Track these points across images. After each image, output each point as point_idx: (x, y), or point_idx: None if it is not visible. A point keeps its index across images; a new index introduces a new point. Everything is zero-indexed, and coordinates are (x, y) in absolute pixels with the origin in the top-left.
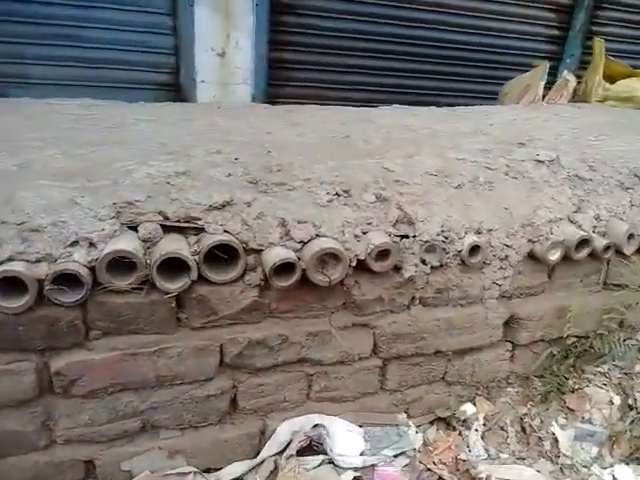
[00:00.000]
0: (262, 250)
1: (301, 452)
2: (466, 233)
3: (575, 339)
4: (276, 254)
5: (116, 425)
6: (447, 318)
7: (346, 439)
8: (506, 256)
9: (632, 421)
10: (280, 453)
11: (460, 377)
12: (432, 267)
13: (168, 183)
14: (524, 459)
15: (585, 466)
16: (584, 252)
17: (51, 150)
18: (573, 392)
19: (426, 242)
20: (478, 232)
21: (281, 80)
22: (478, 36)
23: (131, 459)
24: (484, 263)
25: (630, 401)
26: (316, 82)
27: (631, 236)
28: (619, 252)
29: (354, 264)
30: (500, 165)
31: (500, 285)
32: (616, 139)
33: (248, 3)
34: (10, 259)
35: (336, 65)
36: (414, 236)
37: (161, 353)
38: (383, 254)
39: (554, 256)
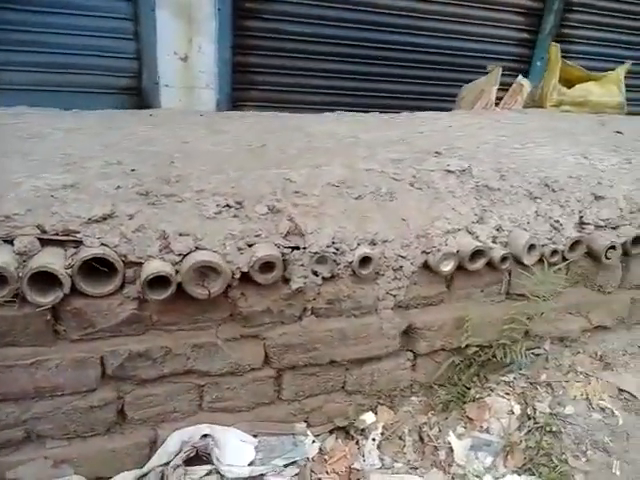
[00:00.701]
0: (142, 263)
1: (190, 462)
2: (359, 244)
3: (476, 349)
4: (152, 267)
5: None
6: (340, 328)
7: (237, 449)
8: (400, 267)
9: (528, 431)
10: (169, 463)
11: (360, 386)
12: (324, 278)
13: (52, 196)
14: (417, 468)
15: (477, 476)
16: (479, 263)
17: None
18: (474, 401)
19: (316, 254)
20: (372, 243)
21: (246, 84)
22: (446, 39)
23: (16, 468)
24: (377, 274)
25: (529, 411)
26: (281, 86)
27: (532, 247)
28: (521, 263)
29: (237, 276)
30: (407, 175)
31: (395, 295)
32: (543, 147)
33: (210, 8)
34: None
35: (301, 69)
36: (304, 248)
37: (39, 365)
38: (268, 266)
39: (447, 267)
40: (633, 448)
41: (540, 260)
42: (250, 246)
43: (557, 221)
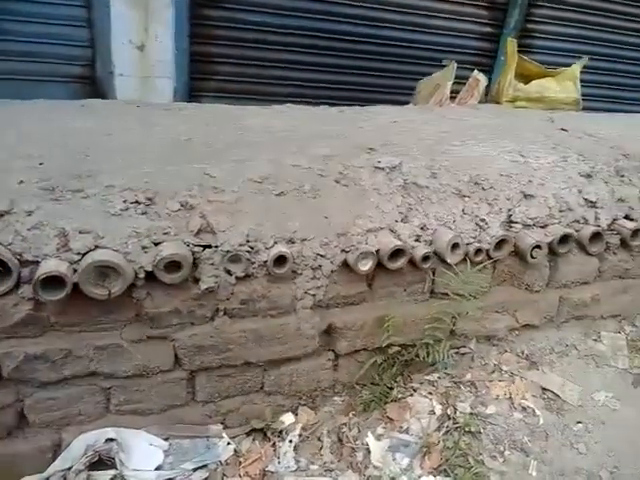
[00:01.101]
0: (38, 262)
1: (96, 466)
2: (276, 243)
3: (399, 348)
4: (47, 267)
5: None
6: (255, 329)
7: (145, 453)
8: (319, 266)
9: (447, 431)
10: (70, 468)
11: (279, 387)
12: (237, 277)
13: None
14: (332, 470)
15: (393, 478)
16: (400, 262)
17: None
18: (396, 401)
19: (228, 252)
20: (291, 241)
21: (205, 74)
22: (409, 32)
23: None
24: (295, 273)
25: (450, 411)
26: (241, 76)
27: (455, 245)
28: (445, 261)
29: (141, 276)
30: (333, 172)
31: (314, 295)
32: (482, 144)
33: None
34: None
35: (262, 59)
36: (216, 246)
37: None
38: (175, 265)
39: (365, 266)
40: (551, 448)
41: (465, 259)
42: (157, 244)
43: (483, 220)
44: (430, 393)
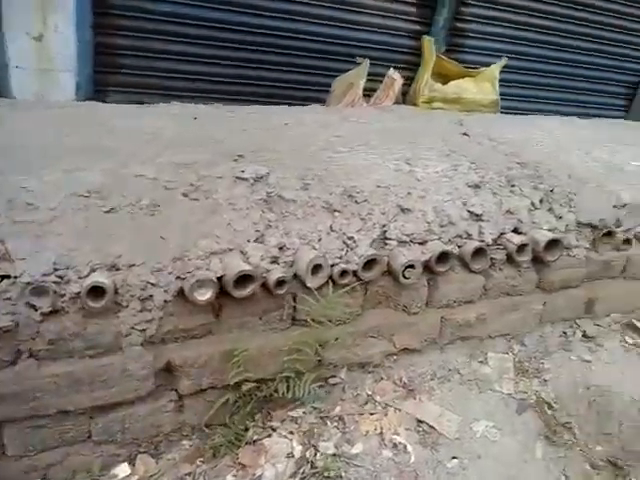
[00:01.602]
0: None
1: None
2: (93, 270)
3: (255, 384)
4: None
5: None
6: (69, 372)
7: None
8: (150, 296)
9: (303, 477)
10: None
11: (109, 435)
12: (43, 313)
13: None
14: None
15: None
16: (249, 289)
17: None
18: (253, 444)
19: (29, 284)
20: (114, 268)
21: (111, 67)
22: (332, 28)
23: None
24: (119, 305)
25: (309, 453)
26: (150, 70)
27: (317, 267)
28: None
29: None
30: (183, 183)
31: (143, 330)
32: (373, 150)
33: None
34: None
35: (171, 53)
36: (15, 277)
37: None
38: None
39: (203, 296)
40: None
41: (331, 281)
42: None
43: (351, 237)
44: (291, 432)
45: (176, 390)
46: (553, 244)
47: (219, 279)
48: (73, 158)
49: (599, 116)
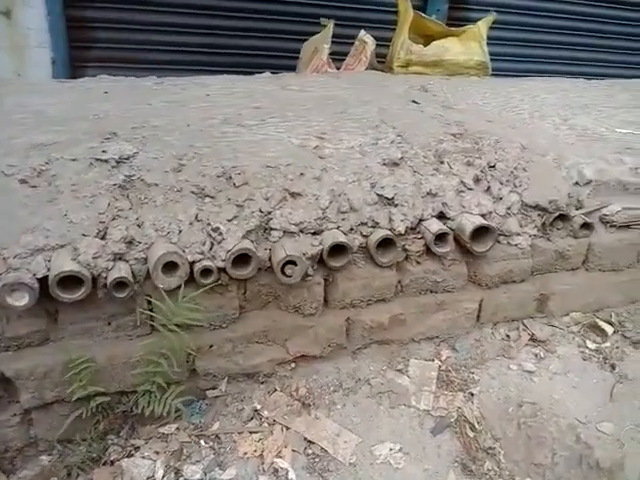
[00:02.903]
0: None
1: None
2: None
3: (107, 398)
4: None
5: None
6: None
7: None
8: None
9: None
10: None
11: None
12: None
13: None
14: None
15: None
16: (79, 293)
17: None
18: (111, 464)
19: None
20: None
21: (86, 42)
22: None
23: None
24: None
25: (173, 476)
26: (126, 43)
27: (171, 265)
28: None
29: None
30: (25, 168)
31: None
32: (285, 123)
33: None
34: None
35: (145, 24)
36: None
37: None
38: None
39: (21, 302)
40: None
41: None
42: None
43: (217, 229)
44: (157, 452)
45: (19, 402)
46: (484, 231)
47: (42, 280)
48: None
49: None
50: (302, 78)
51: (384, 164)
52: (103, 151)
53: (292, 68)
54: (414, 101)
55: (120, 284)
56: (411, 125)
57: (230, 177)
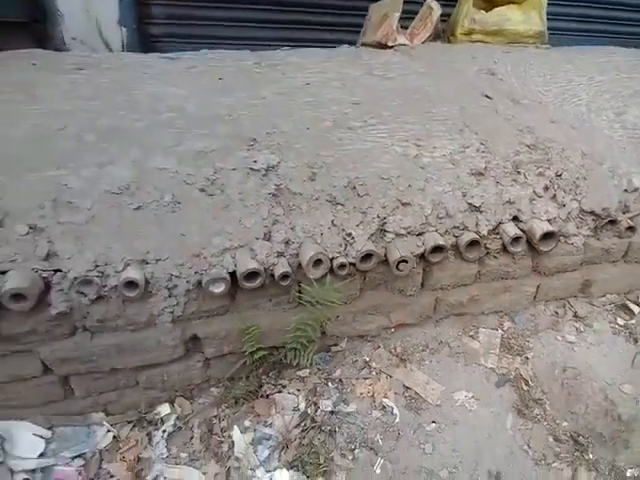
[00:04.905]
0: None
1: None
2: (128, 265)
3: (266, 352)
4: None
5: None
6: (115, 343)
7: (28, 442)
8: (175, 286)
9: (304, 429)
10: None
11: (152, 384)
12: (91, 300)
13: None
14: (198, 460)
15: (251, 469)
16: (256, 282)
17: None
18: (266, 397)
19: (76, 279)
20: (144, 262)
21: (155, 18)
22: None
23: None
24: (150, 292)
25: (311, 409)
26: (196, 20)
27: (318, 261)
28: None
29: None
30: (201, 178)
31: (172, 312)
32: (383, 126)
33: None
34: None
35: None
36: (65, 272)
37: None
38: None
39: (218, 289)
40: (400, 447)
41: (332, 271)
42: (4, 273)
43: (349, 234)
44: (298, 390)
45: (203, 352)
46: (549, 235)
47: (232, 273)
48: (104, 145)
49: None
50: (380, 57)
51: (472, 174)
52: (254, 161)
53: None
54: (487, 96)
55: (284, 276)
56: (490, 132)
57: (354, 187)
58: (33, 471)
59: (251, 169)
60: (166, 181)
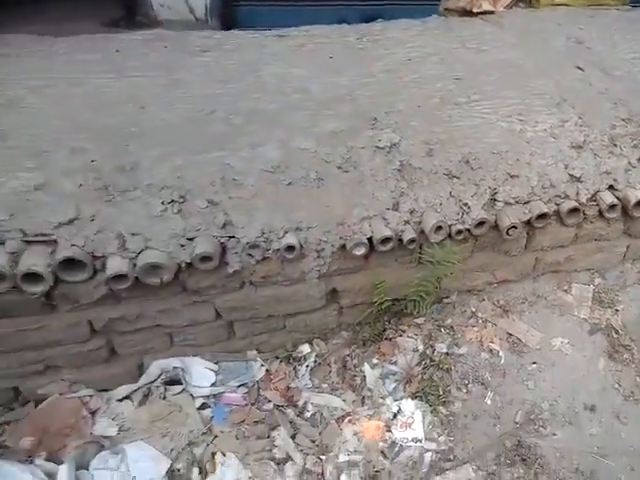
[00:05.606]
0: (106, 257)
1: (168, 383)
2: (286, 232)
3: (390, 303)
4: (114, 265)
5: (27, 368)
6: (274, 295)
7: (201, 374)
8: (322, 249)
9: (425, 367)
10: (152, 382)
11: (297, 328)
12: (257, 260)
13: (27, 199)
14: (337, 390)
15: (382, 397)
16: (389, 246)
17: None
18: (389, 340)
19: (247, 243)
20: (298, 229)
21: None
22: None
23: (43, 387)
24: (303, 254)
25: (429, 351)
26: None
27: (439, 228)
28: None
29: (183, 266)
30: (337, 157)
31: (319, 270)
32: (486, 102)
33: None
34: None
35: None
36: (238, 238)
37: (44, 327)
38: (208, 257)
39: (359, 252)
40: (506, 383)
41: (449, 236)
42: (191, 239)
43: (466, 204)
44: (416, 335)
45: (338, 303)
46: None
47: (369, 239)
48: (250, 128)
49: None
50: (470, 28)
51: (572, 147)
52: (379, 140)
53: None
54: (578, 67)
55: (411, 241)
56: (586, 106)
57: (468, 162)
58: (207, 397)
59: (377, 147)
60: (309, 160)
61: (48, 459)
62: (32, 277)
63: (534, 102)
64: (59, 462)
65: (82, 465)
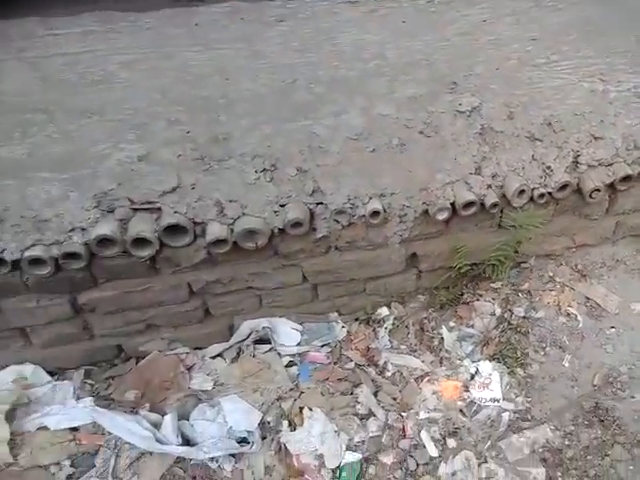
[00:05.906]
0: (205, 223)
1: (257, 342)
2: (370, 198)
3: (469, 267)
4: (213, 231)
5: (130, 327)
6: (357, 259)
7: (287, 334)
8: (405, 214)
9: (502, 330)
10: (243, 341)
11: (376, 291)
12: (343, 225)
13: (132, 170)
14: (416, 351)
15: (459, 359)
16: (471, 210)
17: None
18: (466, 304)
19: (335, 210)
20: (382, 195)
21: None
22: None
23: (144, 344)
24: (386, 219)
25: (506, 314)
26: None
27: (522, 192)
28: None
29: (276, 232)
30: (418, 122)
31: (401, 235)
32: (566, 62)
33: None
34: (33, 245)
35: None
36: (326, 204)
37: (148, 289)
38: (298, 223)
39: (442, 216)
40: (584, 346)
41: (531, 200)
42: (283, 206)
43: (549, 167)
44: (493, 299)
45: (417, 267)
46: None
47: (452, 204)
48: (332, 96)
49: None
50: None
51: None
52: (459, 104)
53: None
54: None
55: (494, 205)
56: None
57: (550, 124)
58: (293, 355)
59: (458, 111)
60: (390, 126)
61: (151, 410)
62: (140, 242)
63: (616, 61)
64: (162, 413)
65: (183, 416)
